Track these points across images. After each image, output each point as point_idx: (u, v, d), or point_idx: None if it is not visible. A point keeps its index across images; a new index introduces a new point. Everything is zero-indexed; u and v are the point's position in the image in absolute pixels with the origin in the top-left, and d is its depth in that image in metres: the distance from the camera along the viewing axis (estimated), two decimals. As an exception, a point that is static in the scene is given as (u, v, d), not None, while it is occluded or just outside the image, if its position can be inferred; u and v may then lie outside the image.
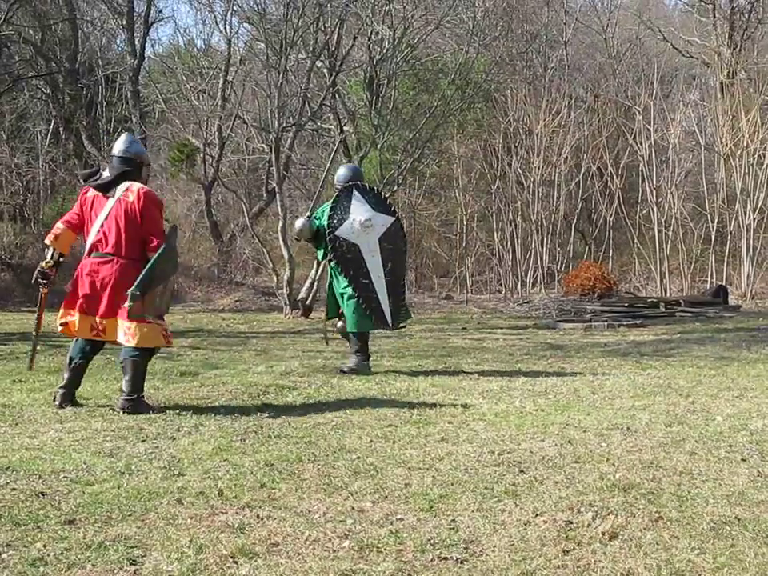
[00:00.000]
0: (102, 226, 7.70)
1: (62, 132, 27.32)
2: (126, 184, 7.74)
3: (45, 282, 7.96)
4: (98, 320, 7.66)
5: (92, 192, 7.83)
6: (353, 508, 4.78)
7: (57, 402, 7.75)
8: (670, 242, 24.97)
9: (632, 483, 5.18)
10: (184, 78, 25.50)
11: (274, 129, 19.92)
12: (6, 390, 8.76)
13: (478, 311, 21.31)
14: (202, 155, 25.79)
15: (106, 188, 7.77)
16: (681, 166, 26.12)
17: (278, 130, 19.86)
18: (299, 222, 10.77)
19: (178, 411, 7.60)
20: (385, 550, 4.15)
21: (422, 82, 25.89)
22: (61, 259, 7.93)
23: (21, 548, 4.17)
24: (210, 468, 5.62)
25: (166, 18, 52.35)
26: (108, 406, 7.84)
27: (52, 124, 29.16)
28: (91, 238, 7.74)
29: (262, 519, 4.59)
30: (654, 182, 25.41)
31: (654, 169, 25.48)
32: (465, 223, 26.06)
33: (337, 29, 22.30)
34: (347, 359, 10.60)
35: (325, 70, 23.51)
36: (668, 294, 23.68)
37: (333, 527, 4.47)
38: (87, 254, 7.80)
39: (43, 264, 7.85)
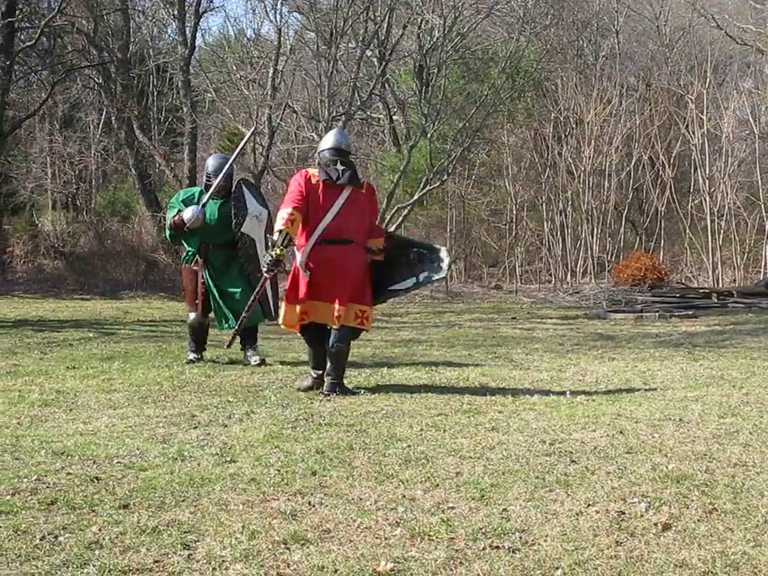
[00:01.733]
0: (338, 213, 7.99)
1: (113, 122, 27.46)
2: (350, 173, 8.12)
3: (275, 268, 8.14)
4: (354, 306, 8.10)
5: (316, 179, 8.05)
6: (404, 496, 4.78)
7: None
8: (722, 232, 24.70)
9: (685, 474, 5.14)
10: (234, 67, 25.51)
11: (324, 118, 19.97)
12: (60, 377, 8.87)
13: (527, 301, 21.24)
14: (252, 144, 25.87)
15: (348, 178, 8.09)
16: (734, 156, 25.80)
17: (327, 119, 19.90)
18: (193, 211, 9.86)
19: (229, 399, 7.66)
20: (436, 538, 4.15)
21: (471, 70, 25.84)
22: (288, 245, 8.03)
23: (77, 531, 4.22)
24: (261, 455, 5.65)
25: (217, 7, 52.51)
26: (160, 392, 7.92)
27: (104, 114, 29.39)
28: (324, 225, 7.96)
29: (313, 506, 4.61)
30: (707, 172, 25.16)
31: (707, 158, 25.23)
32: (514, 213, 25.95)
33: (387, 18, 22.28)
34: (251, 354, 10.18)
35: (374, 60, 23.55)
36: (720, 285, 23.44)
37: (384, 515, 4.47)
38: (318, 241, 7.97)
39: (277, 251, 7.85)
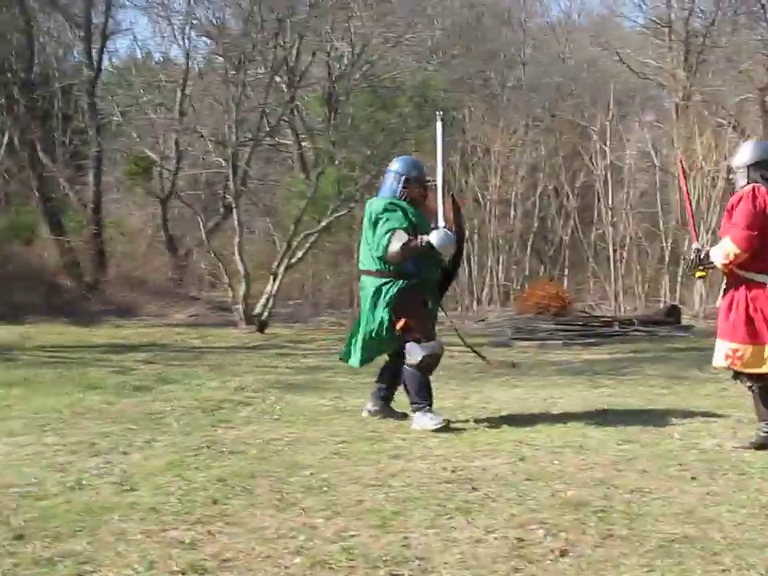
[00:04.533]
0: None
1: (16, 143, 27.03)
2: None
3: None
4: None
5: None
6: (305, 524, 4.77)
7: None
8: (624, 261, 25.17)
9: (583, 501, 5.20)
10: (141, 90, 25.40)
11: (232, 143, 19.89)
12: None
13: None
14: (158, 169, 25.67)
15: None
16: (636, 187, 26.39)
17: (235, 144, 19.84)
18: (446, 235, 7.74)
19: (129, 426, 7.56)
20: (336, 566, 4.14)
21: (380, 99, 25.95)
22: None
23: (-32, 563, 4.13)
24: (162, 483, 5.59)
25: (124, 30, 51.92)
26: (60, 419, 7.80)
27: (6, 135, 28.90)
28: None
29: (213, 535, 4.57)
30: (610, 202, 25.63)
31: (610, 189, 25.72)
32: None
33: (296, 44, 22.32)
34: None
35: (283, 86, 23.52)
36: (622, 313, 23.84)
37: (284, 543, 4.45)
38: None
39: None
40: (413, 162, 8.30)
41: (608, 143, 26.27)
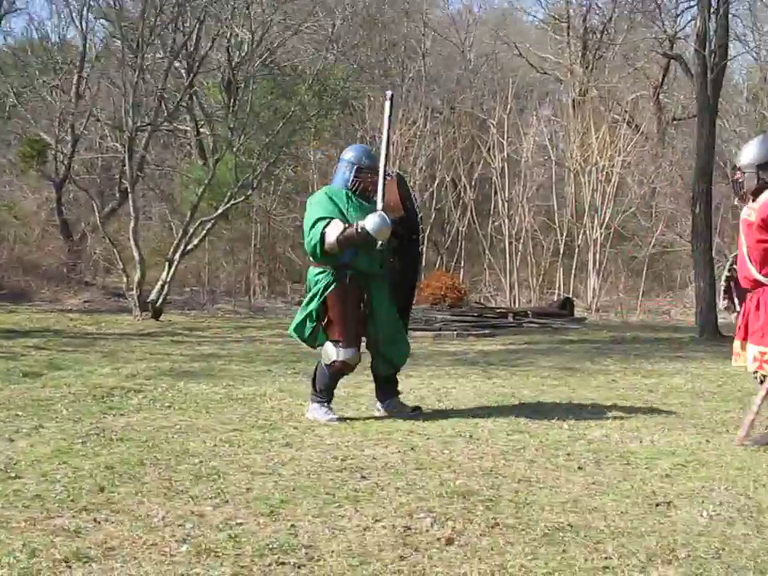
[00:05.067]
0: None
1: None
2: None
3: None
4: None
5: None
6: (192, 512, 4.75)
7: None
8: (519, 254, 25.49)
9: (471, 490, 5.27)
10: (37, 72, 24.87)
11: (128, 128, 19.59)
12: None
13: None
14: (53, 152, 25.20)
15: None
16: (532, 180, 26.71)
17: (132, 129, 19.55)
18: (380, 219, 7.52)
19: (17, 413, 7.43)
20: (223, 554, 4.14)
21: (280, 86, 25.84)
22: None
23: None
24: (48, 471, 5.51)
25: (20, 9, 50.89)
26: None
27: None
28: None
29: (98, 523, 4.53)
30: (506, 195, 25.90)
31: (507, 182, 25.98)
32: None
33: (196, 29, 22.08)
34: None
35: (182, 71, 23.27)
36: (517, 305, 24.12)
37: (171, 531, 4.43)
38: None
39: None
40: (365, 151, 8.12)
41: (506, 136, 26.54)
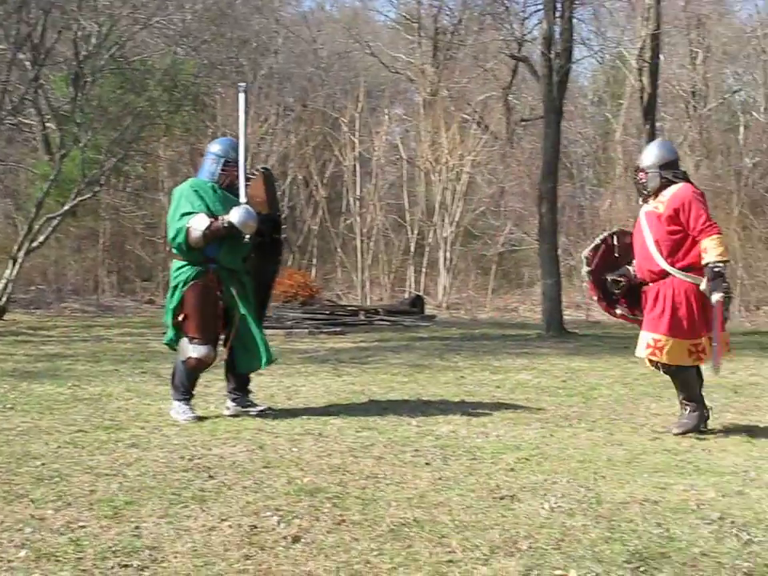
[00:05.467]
0: None
1: None
2: None
3: None
4: None
5: None
6: (33, 516, 4.64)
7: None
8: (371, 252, 25.63)
9: (319, 487, 5.27)
10: None
11: (-30, 121, 19.02)
12: None
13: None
14: None
15: None
16: (384, 179, 26.90)
17: (-26, 122, 18.98)
18: (246, 212, 7.50)
19: None
20: (63, 558, 4.05)
21: (129, 81, 25.40)
22: None
23: None
24: None
25: None
26: None
27: None
28: None
29: (-68, 529, 4.39)
30: (358, 193, 26.01)
31: (358, 180, 26.10)
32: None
33: (41, 20, 21.53)
34: None
35: (27, 63, 22.66)
36: (368, 303, 24.25)
37: (9, 536, 4.32)
38: None
39: None
40: (232, 144, 7.97)
41: (357, 135, 26.67)
